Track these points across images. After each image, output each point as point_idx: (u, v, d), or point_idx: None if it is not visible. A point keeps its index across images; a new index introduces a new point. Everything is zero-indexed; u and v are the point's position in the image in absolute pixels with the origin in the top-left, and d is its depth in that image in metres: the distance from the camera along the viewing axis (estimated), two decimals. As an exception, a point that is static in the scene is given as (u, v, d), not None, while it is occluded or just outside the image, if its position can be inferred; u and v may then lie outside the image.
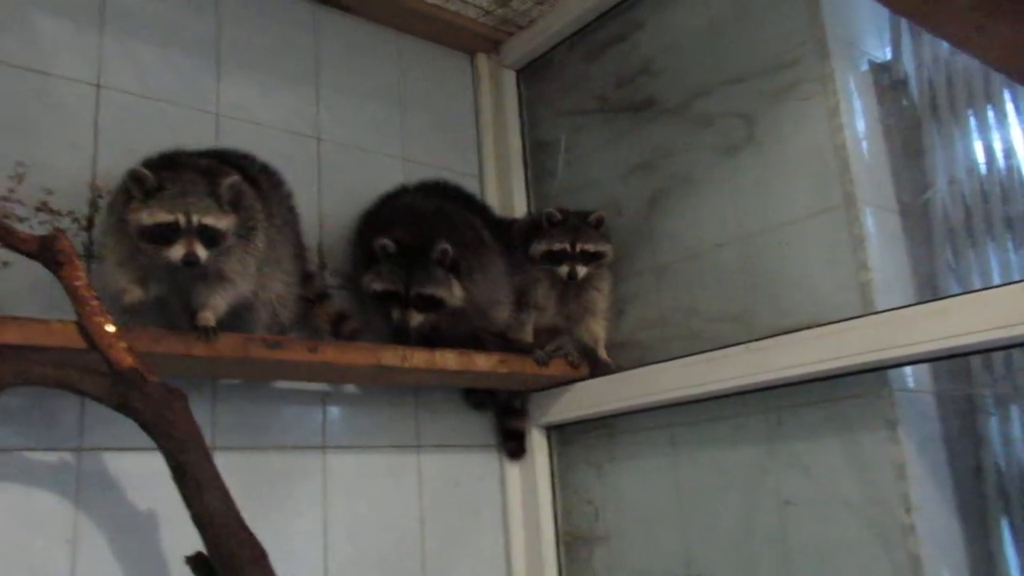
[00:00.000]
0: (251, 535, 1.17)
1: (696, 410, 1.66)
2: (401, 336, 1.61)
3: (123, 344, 1.20)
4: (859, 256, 1.47)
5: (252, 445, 1.61)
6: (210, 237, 1.30)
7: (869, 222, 1.49)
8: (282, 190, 1.58)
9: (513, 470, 1.95)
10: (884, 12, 1.64)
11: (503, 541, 1.92)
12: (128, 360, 1.19)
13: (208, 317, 1.37)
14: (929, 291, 1.52)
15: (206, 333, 1.35)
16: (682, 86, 1.83)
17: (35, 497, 1.36)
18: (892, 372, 1.40)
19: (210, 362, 1.41)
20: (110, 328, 1.20)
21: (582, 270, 1.78)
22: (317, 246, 1.82)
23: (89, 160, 1.55)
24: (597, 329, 1.84)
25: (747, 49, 1.70)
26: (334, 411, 1.75)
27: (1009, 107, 1.53)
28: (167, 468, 1.17)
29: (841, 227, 1.51)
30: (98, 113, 1.58)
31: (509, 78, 2.23)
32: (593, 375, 1.83)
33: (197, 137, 1.58)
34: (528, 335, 1.84)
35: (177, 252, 1.27)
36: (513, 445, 1.94)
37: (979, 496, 1.43)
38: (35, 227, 1.44)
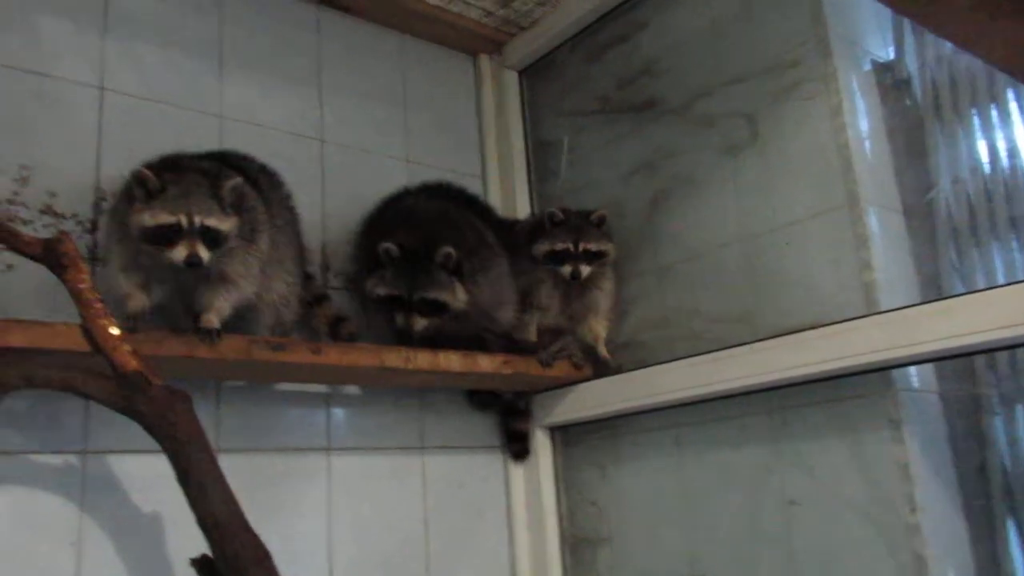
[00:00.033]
0: (256, 537, 1.17)
1: (700, 411, 1.66)
2: (405, 340, 1.61)
3: (127, 347, 1.20)
4: (862, 256, 1.47)
5: (256, 447, 1.61)
6: (212, 239, 1.30)
7: (872, 222, 1.49)
8: (282, 190, 1.58)
9: (517, 471, 1.95)
10: (886, 11, 1.64)
11: (507, 542, 1.92)
12: (132, 363, 1.19)
13: (212, 320, 1.37)
14: (933, 291, 1.51)
15: (209, 335, 1.35)
16: (684, 86, 1.83)
17: (40, 500, 1.37)
18: (896, 372, 1.40)
19: (213, 364, 1.41)
20: (114, 331, 1.20)
21: (585, 269, 1.78)
22: (320, 247, 1.82)
23: (93, 162, 1.55)
24: (598, 327, 1.84)
25: (749, 49, 1.70)
26: (338, 413, 1.75)
27: (1013, 106, 1.52)
28: (172, 470, 1.17)
29: (844, 227, 1.50)
30: (102, 115, 1.59)
31: (511, 79, 2.23)
32: (596, 374, 1.83)
33: (200, 139, 1.59)
34: (532, 335, 1.84)
35: (179, 253, 1.28)
36: (517, 446, 1.94)
37: (984, 496, 1.43)
38: (39, 230, 1.45)
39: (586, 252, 1.78)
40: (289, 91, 1.88)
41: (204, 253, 1.29)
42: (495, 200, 2.13)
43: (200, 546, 1.17)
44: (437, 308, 1.62)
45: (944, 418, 1.46)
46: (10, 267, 1.41)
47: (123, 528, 1.42)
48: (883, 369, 1.38)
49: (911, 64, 1.63)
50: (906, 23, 1.64)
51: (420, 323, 1.61)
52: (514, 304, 1.79)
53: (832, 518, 1.45)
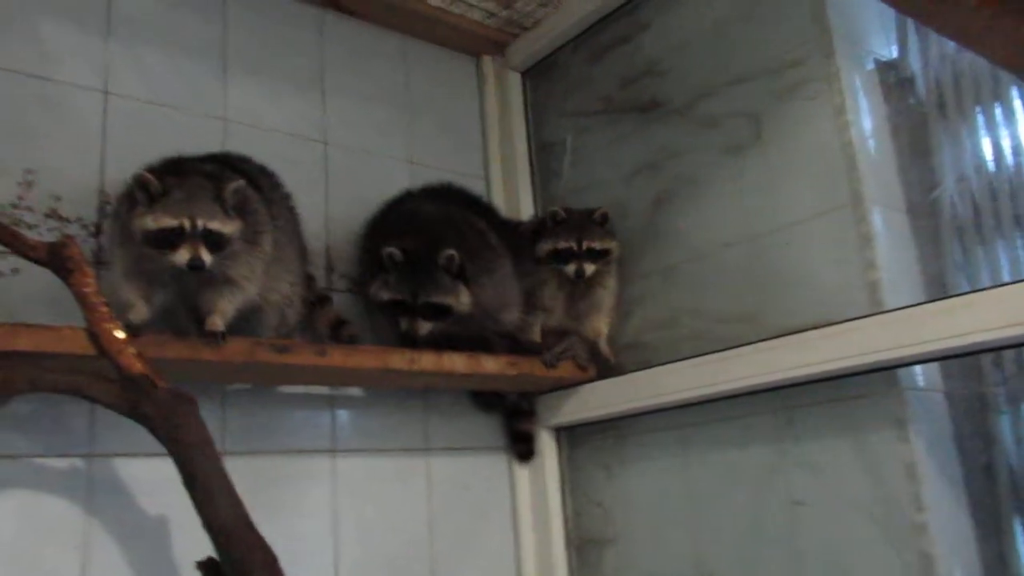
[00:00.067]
0: (262, 540, 1.18)
1: (705, 411, 1.65)
2: (409, 344, 1.61)
3: (132, 350, 1.21)
4: (867, 255, 1.47)
5: (262, 449, 1.61)
6: (215, 242, 1.31)
7: (876, 221, 1.48)
8: (281, 191, 1.58)
9: (522, 472, 1.95)
10: (889, 10, 1.64)
11: (512, 543, 1.92)
12: (138, 366, 1.19)
13: (216, 322, 1.37)
14: (938, 290, 1.51)
15: (215, 338, 1.35)
16: (687, 86, 1.82)
17: (46, 503, 1.37)
18: (902, 371, 1.40)
19: (218, 367, 1.42)
20: (119, 334, 1.21)
21: (589, 268, 1.78)
22: (324, 250, 1.82)
23: (97, 166, 1.55)
24: (600, 324, 1.84)
25: (752, 49, 1.70)
26: (343, 414, 1.75)
27: (1017, 104, 1.52)
28: (177, 474, 1.18)
29: (848, 226, 1.50)
30: (106, 119, 1.59)
31: (514, 80, 2.23)
32: (599, 374, 1.83)
33: (204, 142, 1.59)
34: (536, 336, 1.84)
35: (182, 257, 1.28)
36: (522, 447, 1.94)
37: (991, 495, 1.43)
38: (44, 234, 1.45)
39: (590, 250, 1.78)
40: (292, 94, 1.88)
41: (207, 256, 1.29)
42: (498, 201, 2.13)
43: (206, 549, 1.17)
44: (441, 312, 1.62)
45: (950, 417, 1.45)
46: (15, 271, 1.41)
47: (129, 532, 1.43)
48: (888, 368, 1.38)
49: (914, 62, 1.62)
50: (909, 21, 1.63)
51: (424, 327, 1.61)
52: (518, 305, 1.79)
53: (838, 518, 1.44)
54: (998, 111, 1.53)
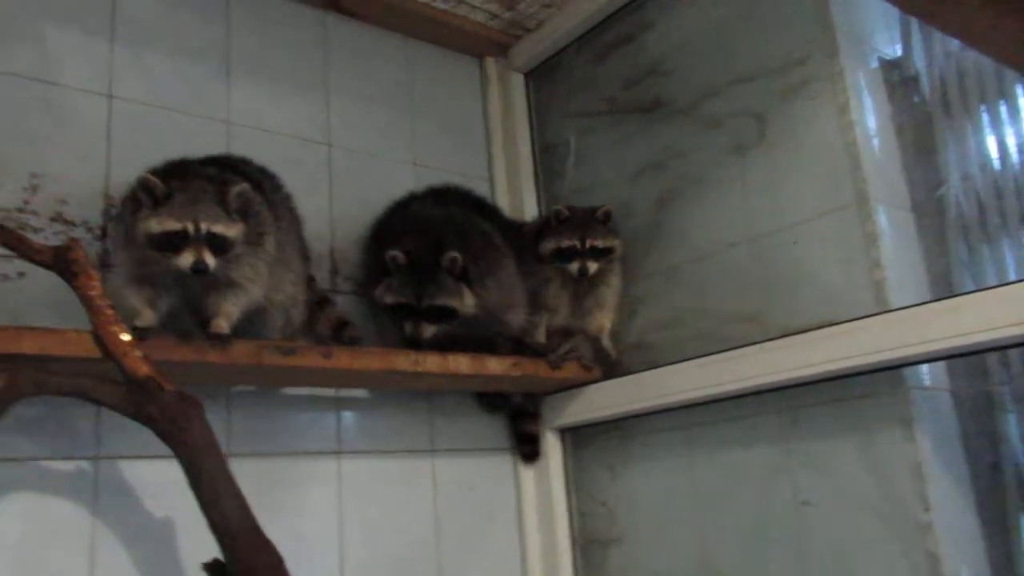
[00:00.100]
0: (268, 542, 1.18)
1: (710, 411, 1.65)
2: (414, 347, 1.61)
3: (138, 353, 1.21)
4: (872, 254, 1.46)
5: (267, 451, 1.61)
6: (219, 245, 1.31)
7: (881, 220, 1.48)
8: (282, 192, 1.59)
9: (527, 473, 1.95)
10: (893, 8, 1.63)
11: (518, 544, 1.92)
12: (143, 369, 1.19)
13: (222, 325, 1.37)
14: (944, 288, 1.51)
15: (220, 341, 1.36)
16: (691, 86, 1.82)
17: (52, 505, 1.37)
18: (907, 370, 1.39)
19: (224, 369, 1.42)
20: (125, 337, 1.21)
21: (593, 266, 1.78)
22: (329, 252, 1.83)
23: (102, 170, 1.56)
24: (604, 320, 1.85)
25: (755, 48, 1.70)
26: (348, 416, 1.75)
27: (1022, 102, 1.51)
28: (183, 475, 1.18)
29: (853, 225, 1.50)
30: (110, 123, 1.60)
31: (518, 81, 2.24)
32: (603, 371, 1.83)
33: (208, 145, 1.59)
34: (541, 337, 1.84)
35: (186, 260, 1.28)
36: (527, 448, 1.94)
37: (998, 494, 1.42)
38: (50, 238, 1.45)
39: (593, 249, 1.78)
40: (296, 96, 1.88)
41: (211, 260, 1.29)
42: (502, 202, 2.13)
43: (212, 551, 1.18)
44: (445, 314, 1.62)
45: (956, 416, 1.45)
46: (21, 275, 1.42)
47: (135, 534, 1.43)
48: (894, 368, 1.38)
49: (919, 61, 1.62)
50: (913, 19, 1.63)
51: (428, 330, 1.62)
52: (524, 306, 1.79)
53: (844, 518, 1.44)
54: (1003, 109, 1.53)
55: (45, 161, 1.50)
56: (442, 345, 1.64)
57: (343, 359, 1.51)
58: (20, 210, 1.46)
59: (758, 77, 1.68)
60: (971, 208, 1.53)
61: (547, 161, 2.17)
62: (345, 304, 1.79)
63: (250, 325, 1.46)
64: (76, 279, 1.22)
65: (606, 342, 1.85)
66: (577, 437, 1.95)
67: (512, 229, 1.91)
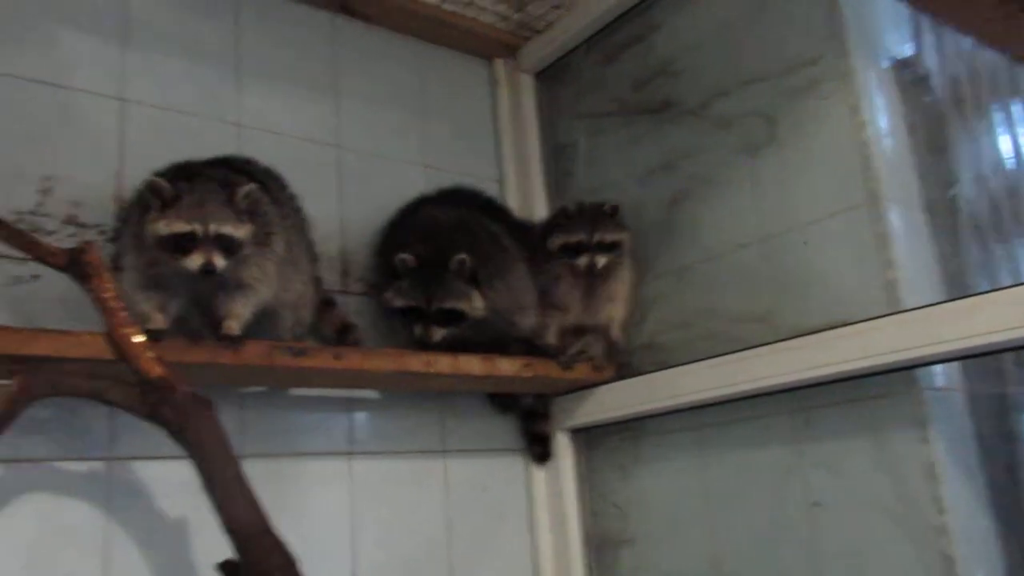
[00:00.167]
0: (281, 542, 1.18)
1: (722, 411, 1.65)
2: (423, 350, 1.61)
3: (151, 354, 1.21)
4: (884, 254, 1.46)
5: (279, 452, 1.62)
6: (227, 246, 1.31)
7: (893, 220, 1.47)
8: (288, 192, 1.59)
9: (539, 474, 1.95)
10: (904, 7, 1.63)
11: (530, 545, 1.91)
12: (157, 370, 1.20)
13: (233, 326, 1.38)
14: (958, 288, 1.49)
15: (232, 342, 1.36)
16: (701, 86, 1.82)
17: (66, 506, 1.38)
18: (921, 371, 1.38)
19: (235, 370, 1.42)
20: (138, 339, 1.22)
21: (601, 260, 1.77)
22: (339, 253, 1.83)
23: (114, 173, 1.57)
24: (614, 312, 1.84)
25: (766, 48, 1.69)
26: (360, 417, 1.76)
27: (1035, 101, 1.51)
28: (196, 476, 1.18)
29: (865, 225, 1.49)
30: (122, 126, 1.60)
31: (527, 82, 2.23)
32: (617, 371, 1.82)
33: (219, 148, 1.59)
34: (552, 337, 1.83)
35: (195, 262, 1.29)
36: (539, 449, 1.94)
37: (1013, 495, 1.41)
38: (63, 240, 1.46)
39: (601, 243, 1.78)
40: (306, 98, 1.89)
41: (220, 261, 1.30)
42: (513, 203, 2.13)
43: (225, 552, 1.18)
44: (454, 317, 1.62)
45: (971, 417, 1.44)
46: (35, 277, 1.42)
47: (149, 534, 1.43)
48: (907, 368, 1.37)
49: (930, 60, 1.61)
50: (925, 18, 1.62)
51: (438, 333, 1.62)
52: (534, 308, 1.79)
53: (857, 519, 1.43)
54: (1016, 108, 1.52)
55: (58, 164, 1.51)
56: (452, 348, 1.64)
57: (354, 360, 1.51)
58: (32, 213, 1.47)
59: (768, 77, 1.68)
60: (984, 208, 1.52)
61: (557, 162, 2.17)
62: (356, 305, 1.80)
63: (260, 326, 1.46)
64: (90, 281, 1.23)
65: (616, 332, 1.84)
66: (588, 438, 1.95)
67: (522, 230, 1.91)
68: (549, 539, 1.91)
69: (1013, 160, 1.51)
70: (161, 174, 1.34)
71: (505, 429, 1.96)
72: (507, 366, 1.70)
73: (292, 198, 1.59)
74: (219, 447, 1.19)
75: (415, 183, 1.97)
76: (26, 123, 1.50)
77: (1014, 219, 1.49)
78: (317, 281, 1.66)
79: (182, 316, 1.39)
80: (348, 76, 1.97)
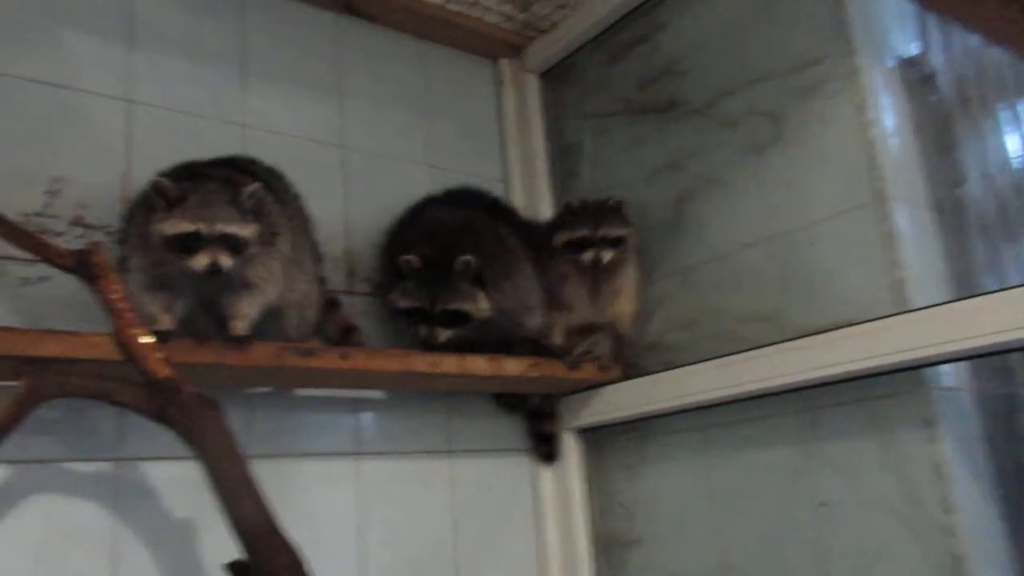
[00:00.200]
0: (288, 542, 1.18)
1: (728, 411, 1.65)
2: (430, 350, 1.61)
3: (158, 355, 1.21)
4: (890, 254, 1.45)
5: (285, 452, 1.62)
6: (233, 246, 1.31)
7: (900, 219, 1.47)
8: (292, 191, 1.59)
9: (546, 474, 1.95)
10: (910, 5, 1.63)
11: (536, 545, 1.91)
12: (164, 371, 1.20)
13: (240, 326, 1.38)
14: (965, 288, 1.49)
15: (239, 343, 1.36)
16: (706, 86, 1.82)
17: (74, 507, 1.38)
18: (929, 370, 1.38)
19: (242, 371, 1.43)
20: (146, 339, 1.22)
21: (606, 255, 1.77)
22: (344, 254, 1.83)
23: (121, 174, 1.57)
24: (622, 307, 1.83)
25: (771, 47, 1.69)
26: (366, 417, 1.76)
27: (1042, 99, 1.50)
28: (204, 476, 1.18)
29: (871, 224, 1.49)
30: (129, 128, 1.61)
31: (532, 82, 2.23)
32: (626, 370, 1.82)
33: (225, 148, 1.60)
34: (558, 338, 1.83)
35: (200, 261, 1.29)
36: (545, 449, 1.94)
37: (1022, 495, 1.41)
38: (71, 242, 1.46)
39: (605, 238, 1.77)
40: (311, 99, 1.89)
41: (225, 261, 1.30)
42: (518, 203, 2.12)
43: (233, 552, 1.18)
44: (459, 318, 1.62)
45: (979, 417, 1.44)
46: (43, 278, 1.43)
47: (156, 534, 1.44)
48: (915, 368, 1.37)
49: (937, 59, 1.61)
50: (930, 17, 1.62)
51: (443, 334, 1.62)
52: (540, 308, 1.79)
53: (865, 519, 1.43)
54: (1022, 107, 1.51)
55: (65, 166, 1.52)
56: (458, 349, 1.64)
57: (360, 360, 1.51)
58: (41, 214, 1.47)
59: (774, 76, 1.68)
60: (991, 207, 1.51)
61: (562, 162, 2.17)
62: (362, 306, 1.80)
63: (265, 326, 1.46)
64: (97, 282, 1.23)
65: (627, 326, 1.83)
66: (595, 438, 1.95)
67: (529, 230, 1.91)
68: (556, 539, 1.91)
69: (1020, 159, 1.50)
70: (165, 174, 1.34)
71: (511, 429, 1.96)
72: (513, 366, 1.70)
73: (296, 198, 1.59)
74: (227, 447, 1.20)
75: (420, 183, 1.98)
76: (33, 125, 1.50)
77: (1021, 218, 1.48)
78: (321, 281, 1.66)
79: (188, 316, 1.39)
80: (353, 76, 1.97)
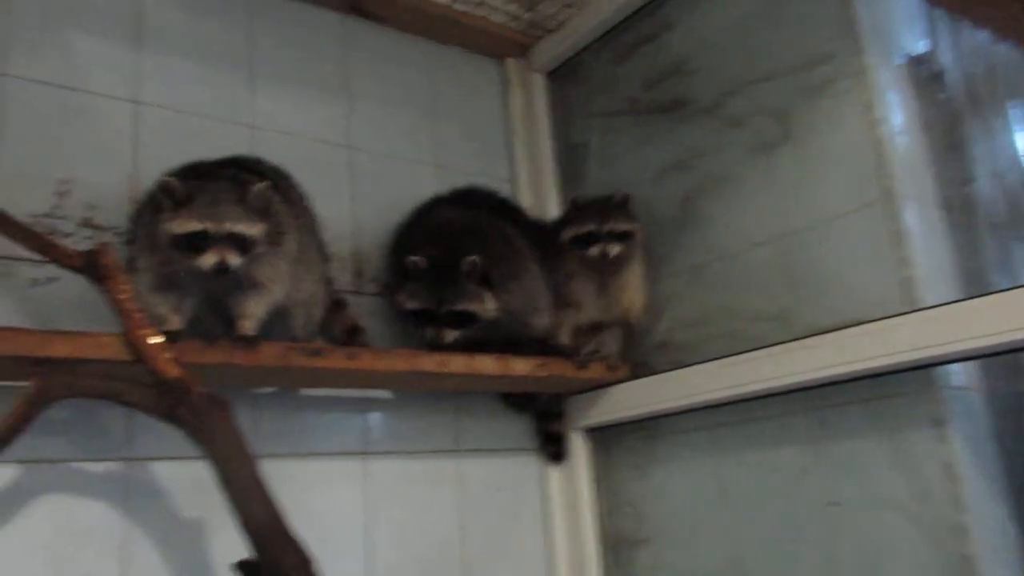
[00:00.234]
0: (297, 542, 1.18)
1: (737, 411, 1.64)
2: (437, 351, 1.62)
3: (167, 355, 1.22)
4: (899, 252, 1.45)
5: (293, 452, 1.62)
6: (241, 244, 1.31)
7: (909, 217, 1.46)
8: (298, 191, 1.59)
9: (554, 474, 1.95)
10: (918, 3, 1.62)
11: (544, 545, 1.91)
12: (173, 371, 1.20)
13: (248, 326, 1.38)
14: (975, 286, 1.48)
15: (247, 342, 1.36)
16: (714, 85, 1.81)
17: (84, 506, 1.39)
18: (939, 369, 1.37)
19: (249, 371, 1.43)
20: (155, 340, 1.22)
21: (613, 249, 1.76)
22: (351, 254, 1.83)
23: (129, 175, 1.58)
24: (630, 300, 1.83)
25: (779, 46, 1.69)
26: (374, 417, 1.76)
27: (1052, 97, 1.50)
28: (213, 476, 1.19)
29: (880, 223, 1.48)
30: (137, 129, 1.61)
31: (539, 82, 2.23)
32: (633, 374, 1.82)
33: (233, 149, 1.60)
34: (566, 337, 1.83)
35: (208, 260, 1.29)
36: (554, 448, 1.94)
37: (1033, 495, 1.40)
38: (80, 243, 1.47)
39: (611, 232, 1.77)
40: (318, 99, 1.89)
41: (233, 259, 1.30)
42: (526, 203, 2.12)
43: (243, 551, 1.18)
44: (466, 319, 1.62)
45: (990, 416, 1.43)
46: (52, 279, 1.43)
47: (166, 534, 1.44)
48: (924, 367, 1.36)
49: (945, 57, 1.60)
50: (939, 14, 1.61)
51: (450, 335, 1.62)
52: (548, 308, 1.79)
53: (875, 519, 1.43)
54: (1032, 104, 1.51)
55: (73, 167, 1.52)
56: (466, 349, 1.64)
57: (367, 360, 1.51)
58: (50, 216, 1.48)
59: (782, 75, 1.67)
60: (1001, 205, 1.51)
61: (569, 162, 2.17)
62: (370, 306, 1.80)
63: (271, 325, 1.46)
64: (106, 283, 1.24)
65: (636, 319, 1.83)
66: (603, 437, 1.94)
67: (536, 230, 1.91)
68: (564, 539, 1.91)
69: (1031, 156, 1.50)
70: (172, 174, 1.34)
71: (519, 429, 1.96)
72: (521, 366, 1.70)
73: (302, 197, 1.59)
74: (236, 447, 1.20)
75: (427, 183, 1.98)
76: (41, 126, 1.51)
77: (1032, 216, 1.48)
78: (328, 281, 1.66)
79: (196, 316, 1.40)
80: (360, 77, 1.97)
